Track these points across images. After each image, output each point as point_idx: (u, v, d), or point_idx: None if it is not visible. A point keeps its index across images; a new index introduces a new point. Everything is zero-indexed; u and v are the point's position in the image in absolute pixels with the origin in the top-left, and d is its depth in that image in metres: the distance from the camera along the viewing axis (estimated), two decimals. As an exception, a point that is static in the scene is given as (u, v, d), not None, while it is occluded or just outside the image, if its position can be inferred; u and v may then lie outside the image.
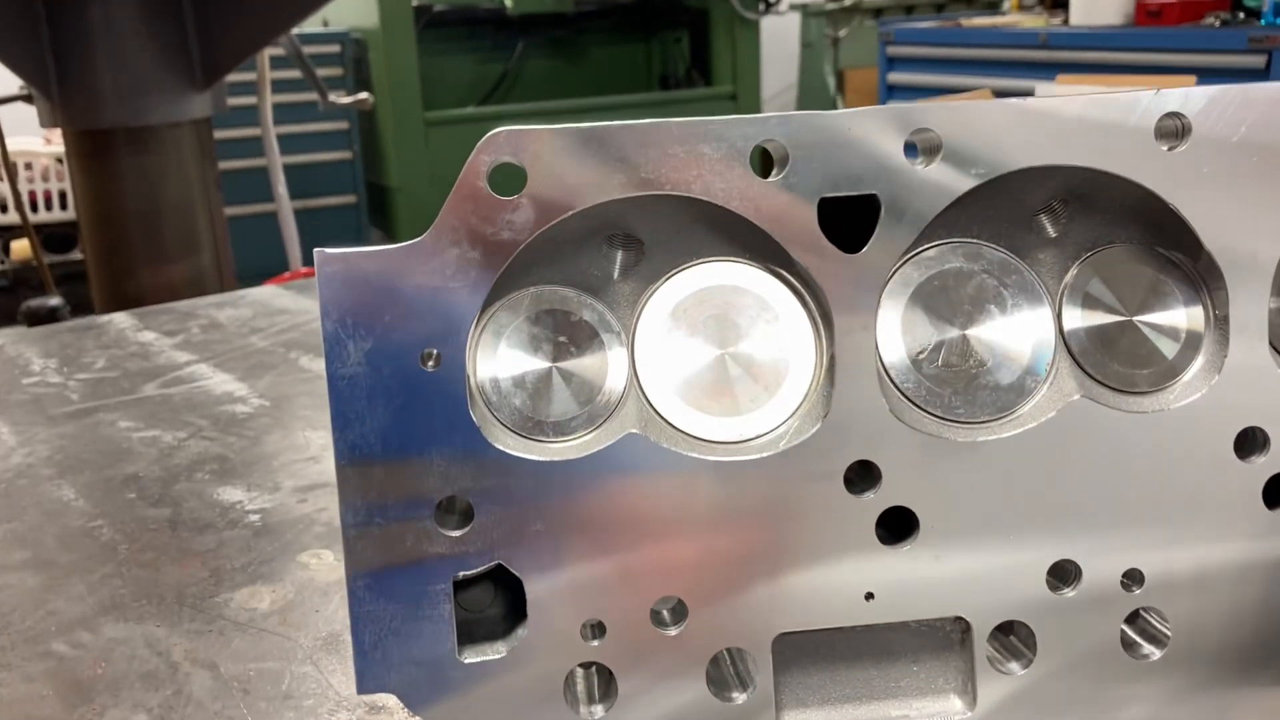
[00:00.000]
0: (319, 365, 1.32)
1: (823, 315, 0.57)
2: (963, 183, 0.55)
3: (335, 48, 5.25)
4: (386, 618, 0.55)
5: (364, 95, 3.91)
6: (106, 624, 0.78)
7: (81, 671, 0.72)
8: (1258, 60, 3.48)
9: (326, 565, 0.85)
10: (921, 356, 0.58)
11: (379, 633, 0.55)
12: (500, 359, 0.56)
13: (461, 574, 0.56)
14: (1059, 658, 0.58)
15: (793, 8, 6.49)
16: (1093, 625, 0.58)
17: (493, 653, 0.57)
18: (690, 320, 0.57)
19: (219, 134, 3.38)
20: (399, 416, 0.54)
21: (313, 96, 3.51)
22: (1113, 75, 3.56)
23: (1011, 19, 4.64)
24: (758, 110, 5.82)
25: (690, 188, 0.54)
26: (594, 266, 0.58)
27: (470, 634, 0.58)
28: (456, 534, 0.55)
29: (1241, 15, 3.72)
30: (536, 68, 6.05)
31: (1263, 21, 3.57)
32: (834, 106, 6.82)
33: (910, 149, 0.55)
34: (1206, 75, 3.44)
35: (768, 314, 0.57)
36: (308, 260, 3.53)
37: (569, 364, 0.57)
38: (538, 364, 0.56)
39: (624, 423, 0.57)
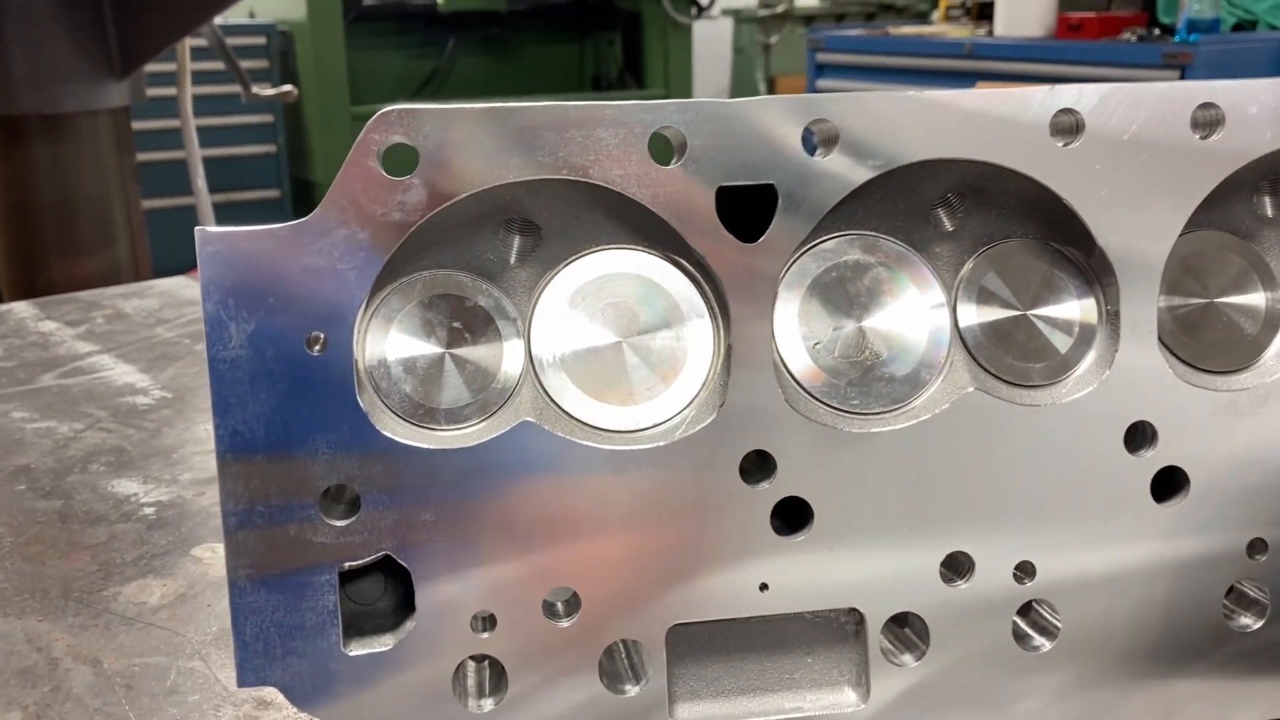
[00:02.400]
0: (226, 357, 1.29)
1: (720, 305, 0.56)
2: (860, 174, 0.55)
3: (261, 39, 5.16)
4: (269, 609, 0.54)
5: (288, 88, 3.83)
6: (-18, 619, 0.75)
7: (-46, 668, 0.69)
8: (1171, 75, 3.57)
9: (220, 560, 0.82)
10: (818, 347, 0.58)
11: (261, 624, 0.54)
12: (390, 344, 0.55)
13: (347, 565, 0.54)
14: (952, 650, 0.59)
15: (725, 13, 6.53)
16: (985, 617, 0.59)
17: (379, 645, 0.55)
18: (588, 307, 0.56)
19: (139, 125, 3.30)
20: (283, 402, 0.53)
21: (235, 89, 3.44)
22: (1032, 84, 3.62)
23: (939, 29, 4.71)
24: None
25: (588, 173, 0.54)
26: (490, 251, 0.57)
27: (359, 627, 0.57)
28: (342, 524, 0.54)
29: (1157, 31, 3.81)
30: (468, 65, 6.00)
31: (1176, 39, 3.66)
32: (764, 112, 6.85)
33: (808, 139, 0.55)
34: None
35: (666, 303, 0.57)
36: (227, 254, 3.46)
37: (462, 350, 0.56)
38: (430, 350, 0.55)
39: (518, 411, 0.56)
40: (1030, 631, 0.60)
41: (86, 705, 0.65)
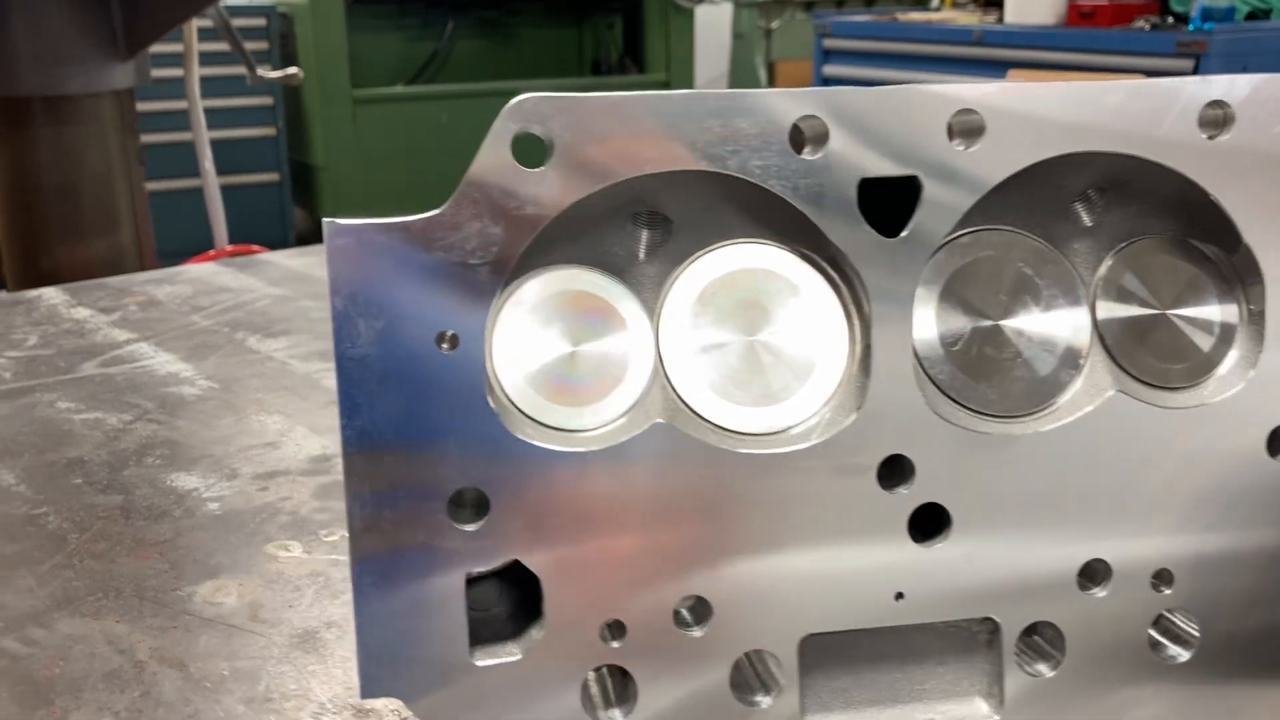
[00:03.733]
0: (267, 346, 1.26)
1: (856, 302, 0.54)
2: (1005, 167, 0.53)
3: (261, 21, 5.11)
4: (395, 618, 0.52)
5: (294, 70, 3.79)
6: (61, 619, 0.73)
7: (37, 671, 0.67)
8: (1185, 64, 3.56)
9: (295, 559, 0.80)
10: (956, 347, 0.56)
11: (387, 634, 0.52)
12: (520, 341, 0.53)
13: (475, 571, 0.52)
14: (1085, 659, 0.57)
15: (726, -2, 6.49)
16: (1120, 626, 0.57)
17: (506, 655, 0.53)
18: (718, 304, 0.54)
19: (140, 107, 3.26)
20: (412, 402, 0.51)
21: (236, 70, 3.40)
22: (1058, 72, 3.61)
23: (946, 15, 4.68)
24: (690, 98, 5.79)
25: (725, 164, 0.52)
26: (618, 246, 0.54)
27: (478, 634, 0.55)
28: (471, 528, 0.52)
29: (1170, 20, 3.80)
30: (466, 48, 5.96)
31: (1190, 27, 3.65)
32: (765, 98, 6.81)
33: (953, 130, 0.53)
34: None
35: (799, 300, 0.54)
36: (234, 238, 3.42)
37: (591, 349, 0.53)
38: (559, 348, 0.53)
39: (649, 412, 0.54)
40: (1165, 640, 0.59)
41: (180, 711, 0.63)
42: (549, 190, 0.51)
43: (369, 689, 0.52)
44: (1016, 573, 0.56)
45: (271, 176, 5.34)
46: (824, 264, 0.55)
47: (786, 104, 0.52)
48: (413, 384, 0.51)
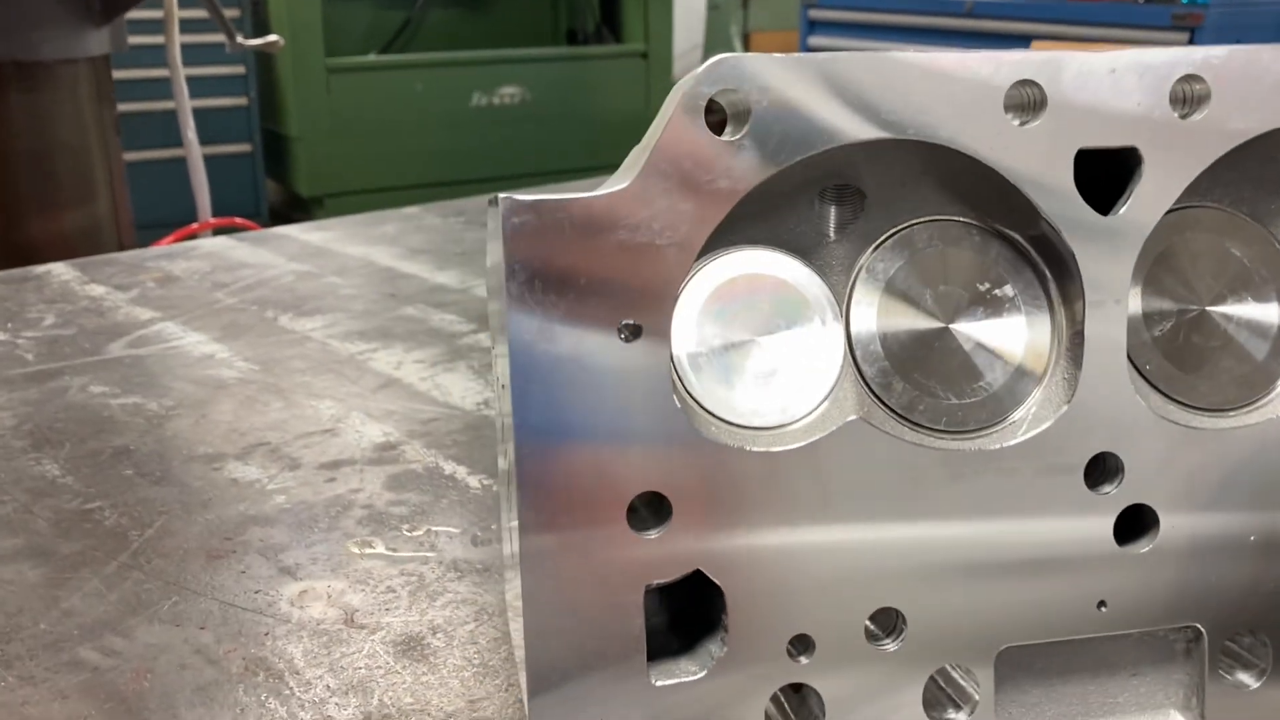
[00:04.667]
0: (301, 325, 1.20)
1: (1062, 286, 0.50)
2: (1229, 139, 0.49)
3: (234, -13, 4.97)
4: (569, 636, 0.47)
5: (274, 38, 3.68)
6: (139, 627, 0.67)
7: (123, 685, 0.62)
8: (1180, 37, 3.54)
9: (380, 556, 0.75)
10: (1161, 335, 0.51)
11: (559, 653, 0.47)
12: (705, 332, 0.48)
13: (656, 582, 0.47)
14: (1288, 668, 0.53)
15: (703, -34, 6.41)
16: (1327, 633, 0.53)
17: (684, 673, 0.48)
18: (912, 288, 0.49)
19: (116, 75, 3.15)
20: (591, 397, 0.45)
21: (209, 38, 3.30)
22: (1065, 43, 3.57)
23: (934, -14, 4.63)
24: (669, 68, 5.73)
25: (936, 132, 0.47)
26: (805, 224, 0.49)
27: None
28: (653, 535, 0.47)
29: (1164, -8, 3.77)
30: (440, 17, 5.84)
31: (1185, 0, 3.62)
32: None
33: (1175, 98, 0.48)
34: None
35: (1000, 282, 0.50)
36: (218, 211, 3.32)
37: (778, 339, 0.48)
38: (745, 338, 0.48)
39: (843, 407, 0.49)
40: (1371, 647, 0.55)
41: (291, 729, 0.58)
42: (745, 162, 0.45)
43: (541, 716, 0.47)
44: (1224, 578, 0.52)
45: (244, 147, 5.22)
46: (1027, 245, 0.50)
47: (1001, 69, 0.47)
48: (592, 377, 0.45)
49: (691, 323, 0.47)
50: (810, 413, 0.49)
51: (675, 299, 0.46)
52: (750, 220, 0.48)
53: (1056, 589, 0.50)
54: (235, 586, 0.71)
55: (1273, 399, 0.52)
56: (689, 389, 0.48)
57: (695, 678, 0.48)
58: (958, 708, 0.51)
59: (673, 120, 0.45)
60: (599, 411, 0.46)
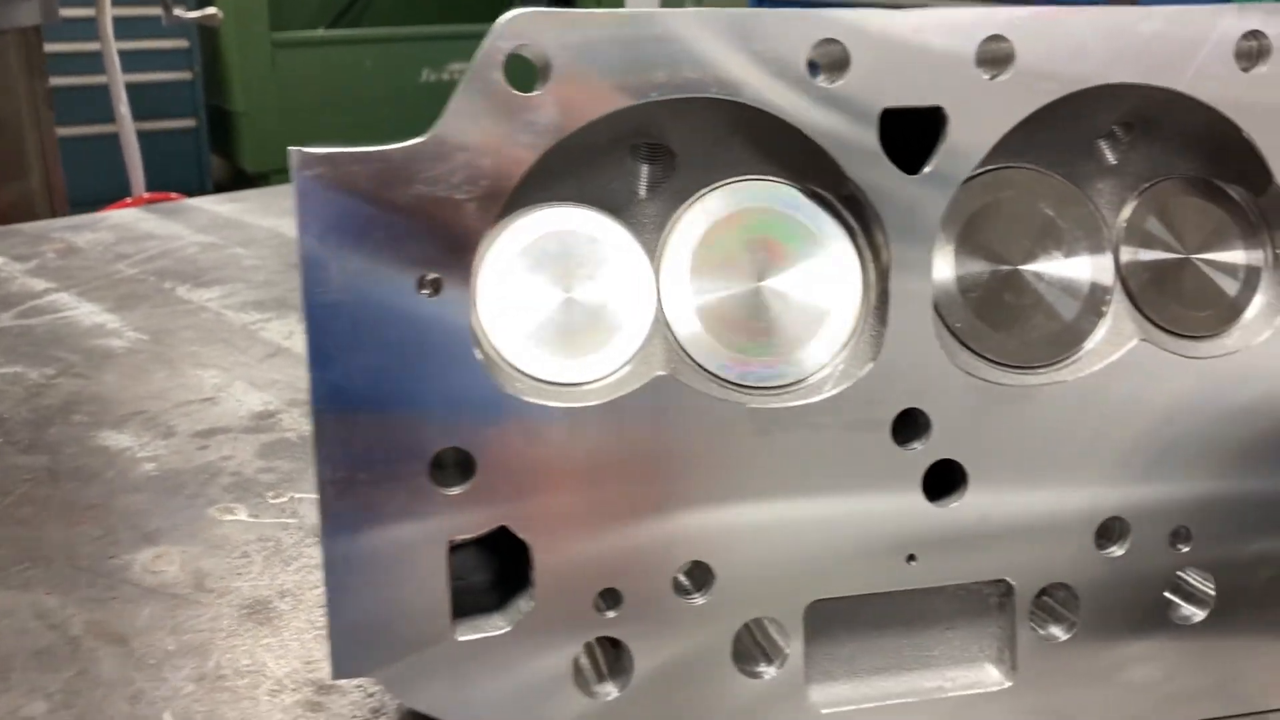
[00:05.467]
0: (199, 296, 1.19)
1: (872, 245, 0.50)
2: (1035, 99, 0.49)
3: (175, -42, 4.88)
4: (370, 589, 0.47)
5: (212, 10, 3.64)
6: (-16, 592, 0.66)
7: (-41, 649, 0.61)
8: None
9: (241, 523, 0.74)
10: (973, 293, 0.52)
11: (361, 608, 0.47)
12: (509, 287, 0.48)
13: (459, 538, 0.48)
14: (1100, 619, 0.54)
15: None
16: (1136, 586, 0.54)
17: (491, 628, 0.49)
18: (724, 246, 0.50)
19: (49, 48, 3.09)
20: (390, 353, 0.45)
21: (150, 10, 3.25)
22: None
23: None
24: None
25: (739, 91, 0.47)
26: (616, 181, 0.50)
27: (457, 606, 0.50)
28: (455, 492, 0.47)
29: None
30: (390, -8, 5.78)
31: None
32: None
33: (980, 59, 0.49)
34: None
35: (811, 242, 0.50)
36: (150, 186, 3.27)
37: (587, 295, 0.49)
38: (552, 294, 0.48)
39: (650, 364, 0.49)
40: (1180, 600, 0.56)
41: (121, 691, 0.58)
42: (545, 118, 0.45)
43: (341, 669, 0.47)
44: (1032, 533, 0.53)
45: (188, 122, 5.15)
46: (837, 203, 0.50)
47: (805, 27, 0.47)
48: (391, 333, 0.45)
49: (496, 278, 0.48)
50: (618, 369, 0.49)
51: (477, 254, 0.46)
52: (560, 177, 0.49)
53: (866, 543, 0.51)
54: (91, 552, 0.71)
55: (1082, 357, 0.52)
56: (494, 345, 0.48)
57: (500, 632, 0.48)
58: (768, 660, 0.52)
59: (471, 76, 0.45)
60: (399, 367, 0.46)
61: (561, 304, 0.48)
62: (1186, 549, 0.54)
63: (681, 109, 0.48)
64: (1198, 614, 0.55)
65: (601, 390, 0.48)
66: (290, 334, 1.07)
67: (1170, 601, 0.56)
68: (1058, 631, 0.54)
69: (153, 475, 0.81)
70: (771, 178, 0.50)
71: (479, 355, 0.46)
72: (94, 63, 3.53)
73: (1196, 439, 0.53)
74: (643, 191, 0.50)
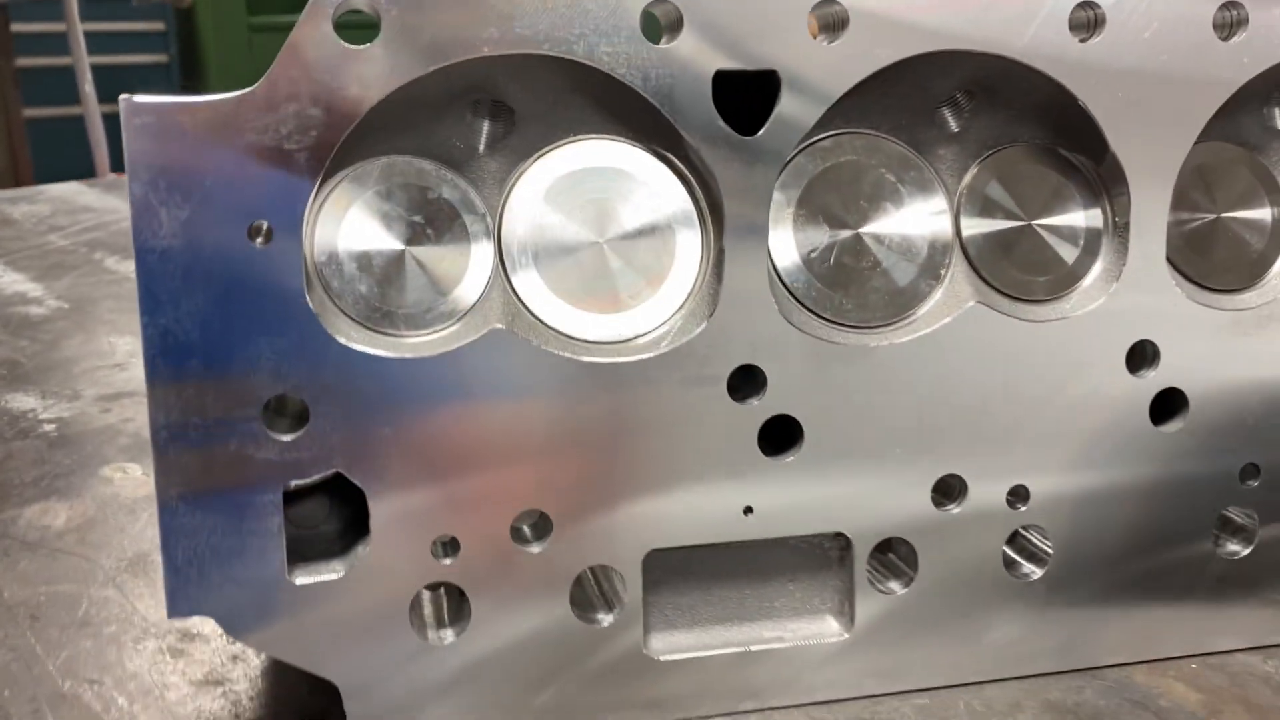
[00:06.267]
0: (127, 267, 1.20)
1: (711, 204, 0.51)
2: (870, 63, 0.51)
3: (150, -61, 4.87)
4: (204, 533, 0.48)
5: (183, -9, 3.64)
6: None
7: None
8: None
9: (134, 480, 0.75)
10: (813, 255, 0.53)
11: (195, 549, 0.48)
12: (344, 237, 0.49)
13: (294, 483, 0.49)
14: (940, 576, 0.56)
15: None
16: (974, 543, 0.56)
17: (328, 573, 0.50)
18: (566, 204, 0.51)
19: (17, 28, 3.08)
20: (221, 300, 0.46)
21: (121, -8, 3.24)
22: None
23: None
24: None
25: (572, 49, 0.48)
26: (457, 137, 0.51)
27: (302, 553, 0.51)
28: (288, 438, 0.48)
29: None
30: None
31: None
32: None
33: (815, 23, 0.50)
34: None
35: (651, 201, 0.51)
36: (116, 166, 3.27)
37: (425, 248, 0.50)
38: (389, 245, 0.49)
39: (487, 317, 0.50)
40: (1020, 559, 0.58)
41: (-14, 639, 0.59)
42: (375, 70, 0.46)
43: (175, 608, 0.48)
44: (869, 488, 0.54)
45: (163, 105, 5.13)
46: (678, 163, 0.52)
47: (637, -14, 0.48)
48: (222, 279, 0.46)
49: (334, 228, 0.49)
50: (454, 322, 0.50)
51: (313, 203, 0.47)
52: (402, 131, 0.49)
53: (703, 495, 0.52)
54: (-24, 508, 0.72)
55: (919, 318, 0.54)
56: (332, 294, 0.49)
57: (336, 576, 0.50)
58: (608, 608, 0.53)
59: (300, 26, 0.46)
60: (231, 313, 0.47)
61: (400, 255, 0.49)
62: (1025, 508, 0.56)
63: (518, 66, 0.49)
64: (1036, 571, 0.57)
65: (436, 342, 0.49)
66: (210, 304, 1.08)
67: (1010, 559, 0.57)
68: (896, 586, 0.55)
69: (52, 436, 0.81)
70: (614, 137, 0.51)
71: (312, 303, 0.47)
72: (63, 43, 3.51)
73: (1033, 400, 0.55)
74: (483, 148, 0.51)
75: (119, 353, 0.96)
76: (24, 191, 1.46)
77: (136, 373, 0.92)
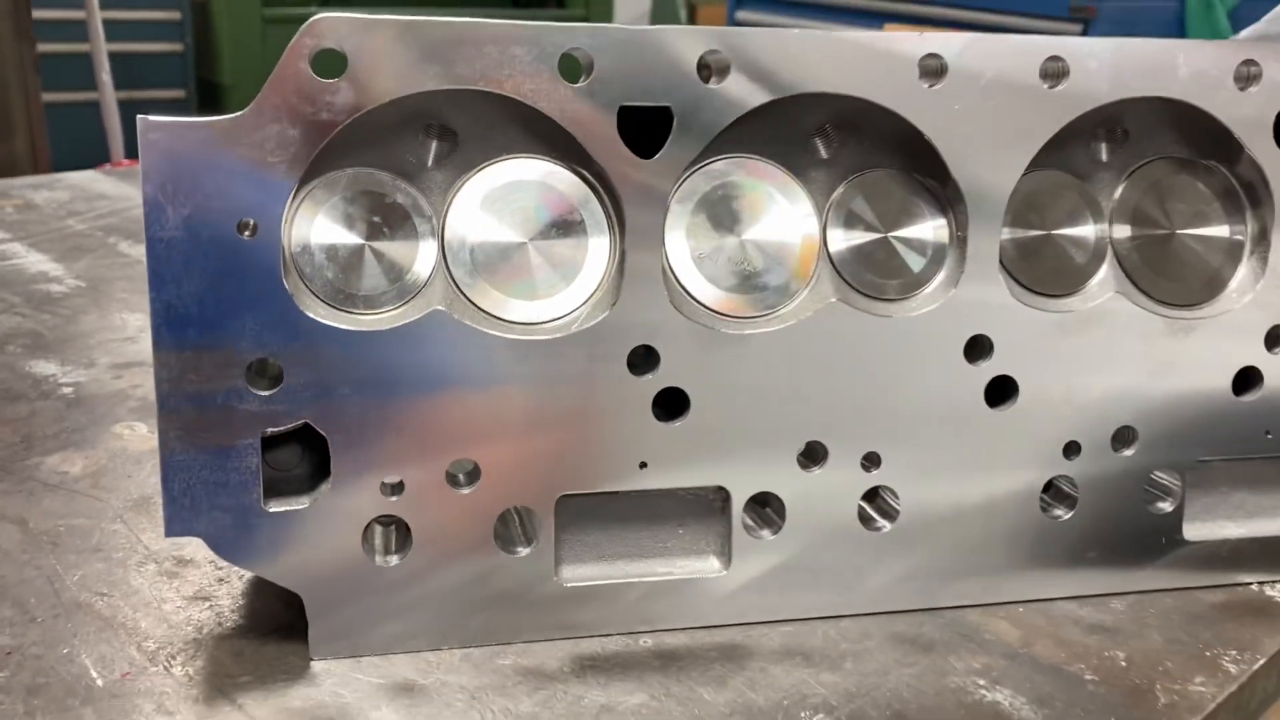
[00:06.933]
0: (139, 251, 1.31)
1: (617, 214, 0.63)
2: (748, 102, 0.62)
3: (168, -69, 4.99)
4: (196, 468, 0.59)
5: (197, -17, 3.75)
6: (-89, 482, 0.79)
7: (-116, 523, 0.74)
8: (1075, 28, 3.69)
9: (139, 436, 0.87)
10: (703, 257, 0.64)
11: (188, 482, 0.59)
12: (315, 233, 0.60)
13: (270, 430, 0.60)
14: (806, 528, 0.67)
15: (648, -65, 6.47)
16: (835, 500, 0.67)
17: (296, 504, 0.61)
18: (498, 210, 0.62)
19: (39, 14, 3.20)
20: (214, 281, 0.58)
21: (142, -20, 3.35)
22: (936, 28, 3.71)
23: (856, -33, 4.75)
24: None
25: (502, 85, 0.59)
26: (409, 153, 0.62)
27: (278, 490, 0.63)
28: (266, 394, 0.59)
29: (1067, -17, 3.91)
30: (384, -28, 5.87)
31: (1084, -8, 3.77)
32: (684, 39, 6.86)
33: (703, 67, 0.61)
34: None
35: (568, 210, 0.63)
36: (130, 152, 3.39)
37: (380, 243, 0.61)
38: (351, 240, 0.61)
39: (430, 300, 0.62)
40: (875, 515, 0.69)
41: (16, 559, 0.70)
42: (342, 99, 0.58)
43: (172, 528, 0.60)
44: (746, 450, 0.65)
45: (178, 93, 5.24)
46: (592, 179, 0.63)
47: (557, 36, 0.59)
48: (215, 264, 0.58)
49: (308, 225, 0.60)
50: (403, 303, 0.61)
51: (289, 205, 0.59)
52: (364, 146, 0.61)
53: (606, 451, 0.64)
54: (6, 455, 0.83)
55: (787, 312, 0.65)
56: (304, 278, 0.60)
57: (301, 506, 0.61)
58: (526, 543, 0.64)
59: (282, 64, 0.57)
60: (222, 292, 0.58)
61: (360, 248, 0.61)
62: (876, 471, 0.67)
63: (460, 98, 0.60)
64: (886, 525, 0.68)
65: (388, 319, 0.61)
66: (213, 286, 1.20)
67: (867, 515, 0.69)
68: (767, 534, 0.67)
69: (70, 397, 0.93)
70: (539, 156, 0.63)
71: (288, 285, 0.59)
72: (83, 30, 3.62)
73: (885, 382, 0.66)
74: (431, 162, 0.62)
75: (130, 328, 1.08)
76: (44, 179, 1.57)
77: (144, 346, 1.04)
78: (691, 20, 6.80)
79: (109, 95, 3.33)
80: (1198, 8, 3.83)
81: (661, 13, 6.91)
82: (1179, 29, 3.81)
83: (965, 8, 3.91)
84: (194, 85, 5.29)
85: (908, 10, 4.11)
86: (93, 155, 3.49)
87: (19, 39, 2.97)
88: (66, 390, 0.94)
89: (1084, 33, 3.67)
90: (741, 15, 4.90)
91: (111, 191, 1.56)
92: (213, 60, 5.28)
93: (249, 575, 0.69)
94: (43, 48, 3.74)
